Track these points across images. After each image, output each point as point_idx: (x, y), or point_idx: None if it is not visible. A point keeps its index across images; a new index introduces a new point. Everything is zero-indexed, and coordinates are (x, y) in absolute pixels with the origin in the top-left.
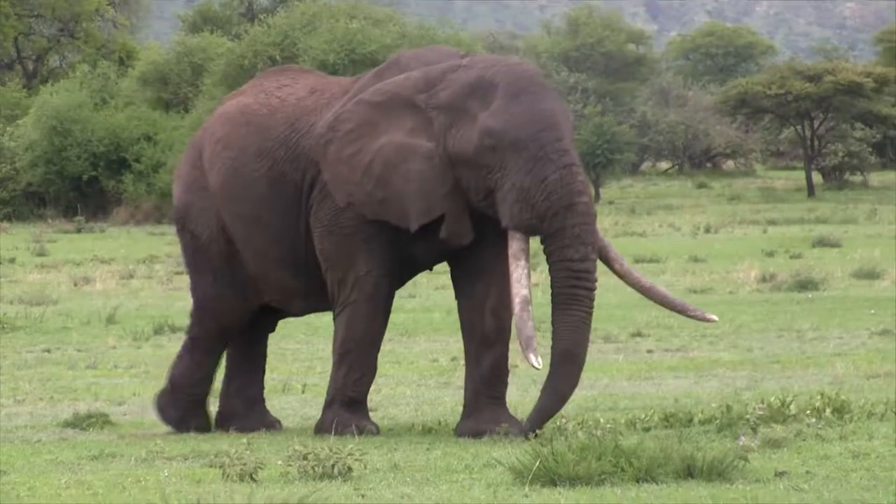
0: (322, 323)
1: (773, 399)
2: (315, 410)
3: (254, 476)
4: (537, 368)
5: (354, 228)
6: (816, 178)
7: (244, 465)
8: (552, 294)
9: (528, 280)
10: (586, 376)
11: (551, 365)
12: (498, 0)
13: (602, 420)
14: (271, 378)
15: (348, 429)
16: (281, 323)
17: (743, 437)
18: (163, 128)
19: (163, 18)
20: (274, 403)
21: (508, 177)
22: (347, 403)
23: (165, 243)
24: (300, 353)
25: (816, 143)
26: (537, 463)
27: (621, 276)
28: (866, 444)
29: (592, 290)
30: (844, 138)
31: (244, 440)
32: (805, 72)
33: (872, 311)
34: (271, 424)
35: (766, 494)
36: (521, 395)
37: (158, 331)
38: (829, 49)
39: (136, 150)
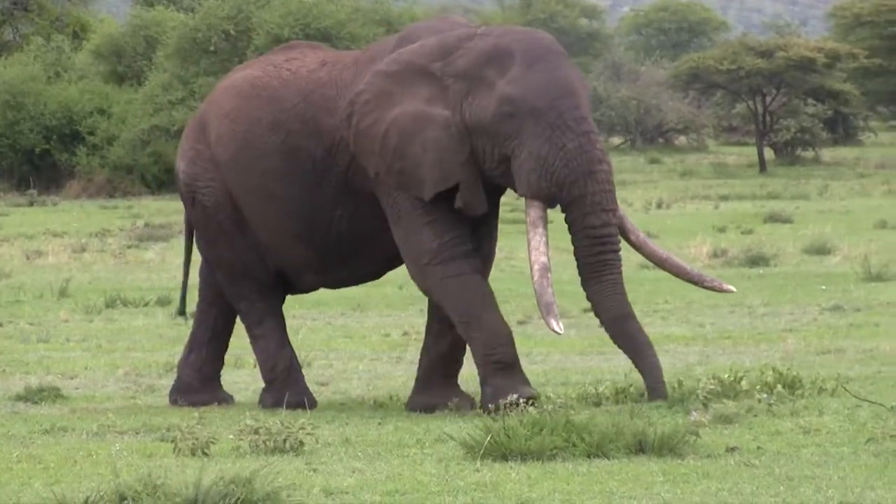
0: None
1: (724, 375)
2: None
3: (205, 450)
4: (558, 333)
5: (412, 206)
6: (768, 153)
7: (196, 439)
8: (579, 264)
9: (547, 247)
10: (537, 350)
11: (614, 337)
12: None
13: (553, 395)
14: None
15: (508, 397)
16: None
17: (694, 413)
18: (116, 101)
19: None
20: (226, 378)
21: (526, 145)
22: (500, 371)
23: (118, 217)
24: None
25: (768, 118)
26: (489, 438)
27: (637, 246)
28: (817, 420)
29: (619, 252)
30: (796, 114)
31: (195, 414)
32: (757, 48)
33: (823, 287)
34: (224, 400)
35: (718, 470)
36: (471, 366)
37: (110, 304)
38: (781, 25)
39: (89, 124)
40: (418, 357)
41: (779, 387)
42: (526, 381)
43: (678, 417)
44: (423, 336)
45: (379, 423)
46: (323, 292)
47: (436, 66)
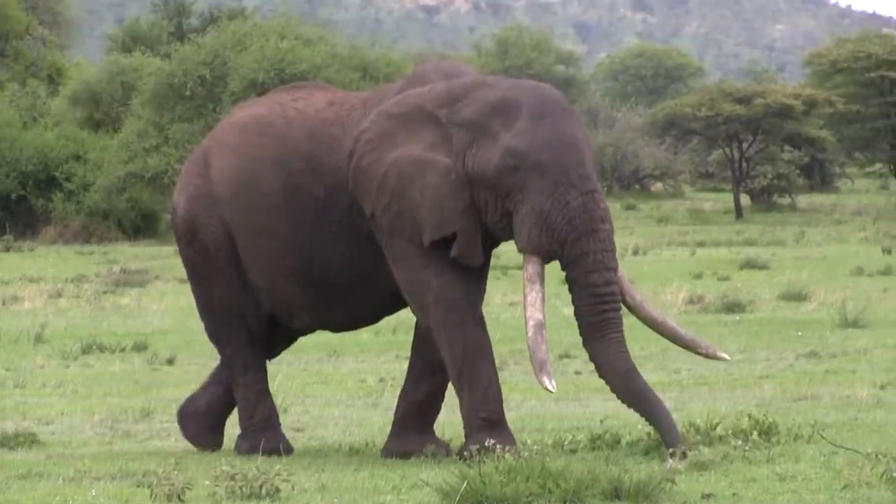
0: None
1: (700, 421)
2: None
3: (181, 496)
4: (551, 392)
5: (409, 249)
6: (745, 200)
7: (172, 484)
8: (581, 323)
9: (543, 304)
10: (512, 397)
11: (622, 394)
12: (428, 20)
13: (529, 441)
14: None
15: (491, 451)
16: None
17: (670, 460)
18: (92, 147)
19: (92, 37)
20: None
21: (528, 200)
22: (486, 428)
23: (94, 262)
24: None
25: (745, 164)
26: (464, 484)
27: (632, 308)
28: (793, 467)
29: (620, 311)
30: (773, 160)
31: (172, 460)
32: (735, 94)
33: (799, 334)
34: (218, 444)
35: None
36: (450, 414)
37: (86, 350)
38: (758, 70)
39: (65, 170)
40: (396, 401)
41: (755, 433)
42: (512, 440)
43: (654, 464)
44: (400, 381)
45: (355, 470)
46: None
47: (442, 113)
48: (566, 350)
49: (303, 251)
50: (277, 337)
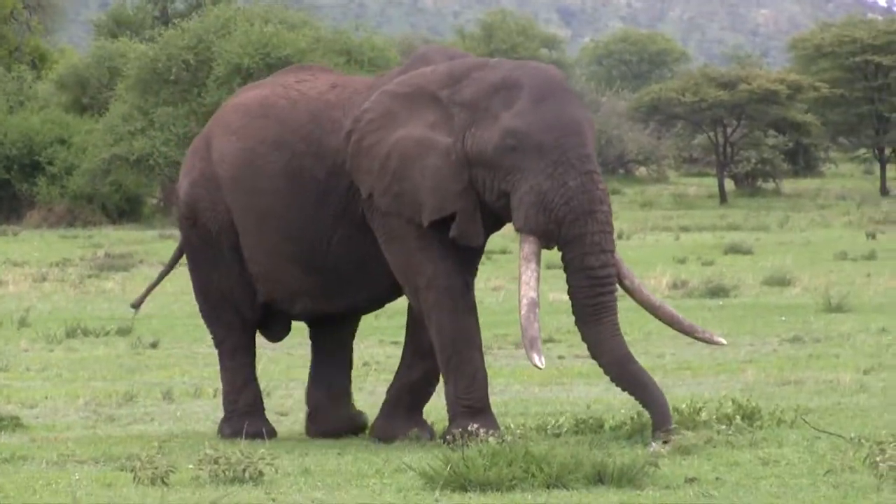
0: None
1: (683, 405)
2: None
3: (165, 480)
4: (540, 368)
5: (406, 230)
6: (729, 184)
7: (155, 468)
8: (575, 305)
9: (537, 283)
10: (496, 382)
11: (616, 377)
12: (412, 4)
13: (513, 425)
14: (182, 382)
15: (475, 435)
16: (192, 327)
17: (653, 444)
18: (77, 131)
19: (77, 22)
20: (186, 408)
21: (527, 179)
22: (469, 415)
23: (78, 246)
24: (212, 357)
25: (729, 149)
26: (448, 468)
27: (630, 292)
28: (776, 452)
29: (615, 295)
30: (757, 145)
31: (155, 444)
32: (719, 79)
33: (783, 318)
34: (355, 417)
35: (676, 501)
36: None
37: (71, 334)
38: (742, 56)
39: (49, 153)
40: (380, 385)
41: (738, 418)
42: (495, 425)
43: (637, 448)
44: (383, 366)
45: (338, 454)
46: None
47: (443, 93)
48: (550, 335)
49: (304, 235)
50: (279, 322)
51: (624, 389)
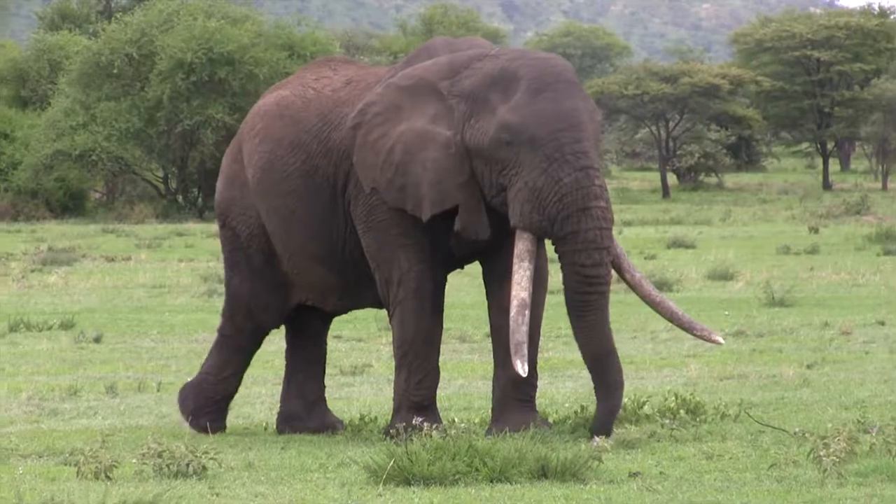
0: (177, 321)
1: (627, 400)
2: (170, 408)
3: (108, 474)
4: (523, 376)
5: (390, 223)
6: (671, 179)
7: (99, 463)
8: (566, 297)
9: (529, 283)
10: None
11: (589, 370)
12: None
13: (457, 420)
14: (125, 376)
15: (418, 429)
16: (135, 321)
17: (597, 438)
18: (19, 125)
19: (19, 16)
20: (129, 402)
21: (522, 175)
22: (415, 408)
23: (21, 241)
24: (155, 351)
25: (672, 144)
26: (392, 462)
27: (632, 286)
28: (720, 446)
29: (604, 293)
30: (700, 139)
31: (99, 438)
32: (661, 73)
33: (726, 313)
34: (332, 425)
35: (620, 495)
36: (376, 393)
37: (14, 328)
38: (684, 50)
39: None
40: (491, 391)
41: (682, 412)
42: (438, 420)
43: (581, 442)
44: (331, 361)
45: (282, 448)
46: None
47: (443, 85)
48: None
49: (324, 234)
50: (315, 317)
51: (593, 382)
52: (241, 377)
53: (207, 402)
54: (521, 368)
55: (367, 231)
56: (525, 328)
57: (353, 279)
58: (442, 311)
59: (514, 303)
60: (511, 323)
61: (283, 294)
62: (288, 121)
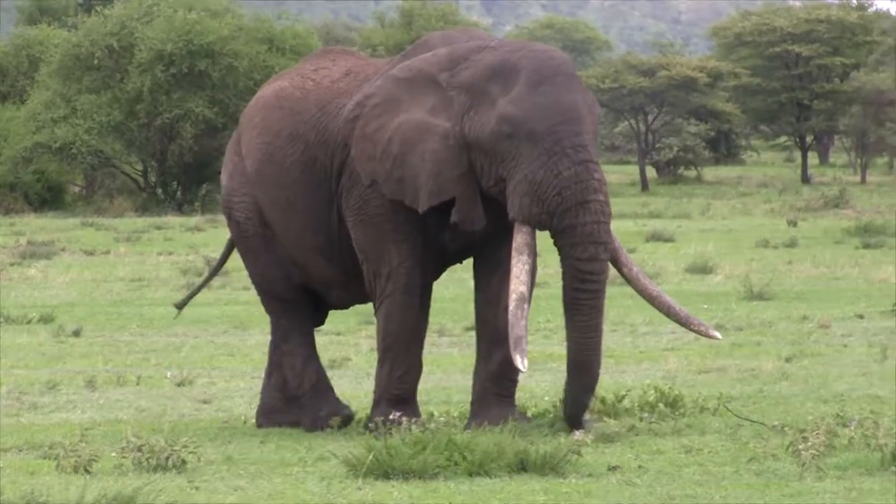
0: (156, 315)
1: (606, 393)
2: (149, 402)
3: (88, 468)
4: (522, 371)
5: (383, 217)
6: (650, 172)
7: (78, 456)
8: (563, 291)
9: (528, 277)
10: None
11: (567, 370)
12: None
13: (436, 413)
14: (105, 370)
15: (398, 423)
16: (114, 315)
17: (576, 432)
18: None
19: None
20: (109, 396)
21: (521, 167)
22: (395, 402)
23: (0, 234)
24: (135, 345)
25: (650, 137)
26: (371, 456)
27: (629, 280)
28: (699, 439)
29: (598, 291)
30: (679, 133)
31: (78, 432)
32: (640, 66)
33: (705, 306)
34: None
35: (599, 489)
36: (355, 387)
37: None
38: (664, 44)
39: None
40: (472, 384)
41: (661, 406)
42: (418, 414)
43: (560, 436)
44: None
45: (261, 442)
46: (204, 310)
47: (443, 76)
48: (473, 322)
49: (322, 226)
50: (322, 306)
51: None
52: (317, 356)
53: (324, 400)
54: (521, 363)
55: (357, 223)
56: (524, 322)
57: (353, 272)
58: (428, 308)
59: (513, 297)
60: (510, 317)
61: (290, 272)
62: (286, 112)
